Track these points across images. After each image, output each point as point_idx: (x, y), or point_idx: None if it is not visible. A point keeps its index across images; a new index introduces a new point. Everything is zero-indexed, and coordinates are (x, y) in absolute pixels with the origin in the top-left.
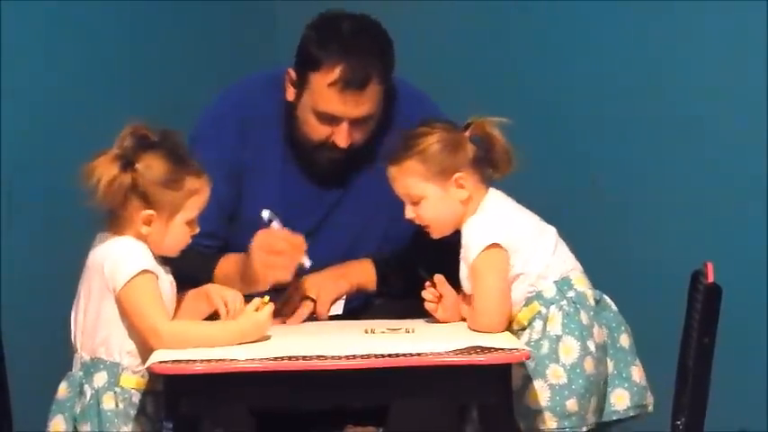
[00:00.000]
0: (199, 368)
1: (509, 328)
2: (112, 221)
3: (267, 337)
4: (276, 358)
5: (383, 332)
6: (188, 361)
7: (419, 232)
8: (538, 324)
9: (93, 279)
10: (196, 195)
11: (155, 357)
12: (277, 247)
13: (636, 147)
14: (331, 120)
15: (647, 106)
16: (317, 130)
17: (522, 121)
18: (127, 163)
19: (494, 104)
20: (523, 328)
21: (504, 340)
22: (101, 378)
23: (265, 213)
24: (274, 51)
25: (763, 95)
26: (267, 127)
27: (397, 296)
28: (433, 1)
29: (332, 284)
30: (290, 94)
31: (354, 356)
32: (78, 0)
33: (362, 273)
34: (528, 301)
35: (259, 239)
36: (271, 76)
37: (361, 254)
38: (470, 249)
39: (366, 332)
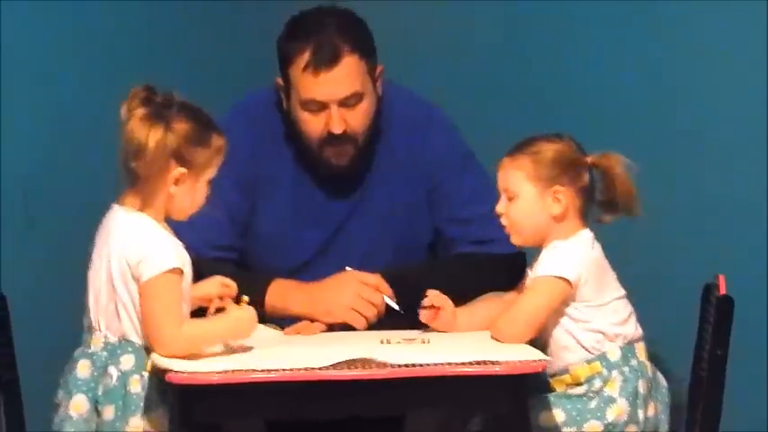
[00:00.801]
0: (215, 379)
1: (563, 380)
2: (135, 188)
3: (275, 342)
4: (292, 369)
5: (399, 342)
6: (204, 372)
7: (431, 249)
8: (597, 383)
9: (115, 263)
10: (220, 154)
11: (169, 364)
12: (365, 294)
13: (646, 156)
14: (319, 107)
15: (657, 114)
16: (311, 124)
17: (529, 130)
18: (166, 122)
19: (499, 109)
20: (578, 384)
21: (520, 352)
22: (128, 361)
23: (349, 269)
24: None
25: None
26: (278, 142)
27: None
28: (436, 1)
29: None
30: (285, 102)
31: (371, 366)
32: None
33: None
34: (590, 361)
35: (351, 280)
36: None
37: (374, 266)
38: (542, 266)
39: (382, 342)
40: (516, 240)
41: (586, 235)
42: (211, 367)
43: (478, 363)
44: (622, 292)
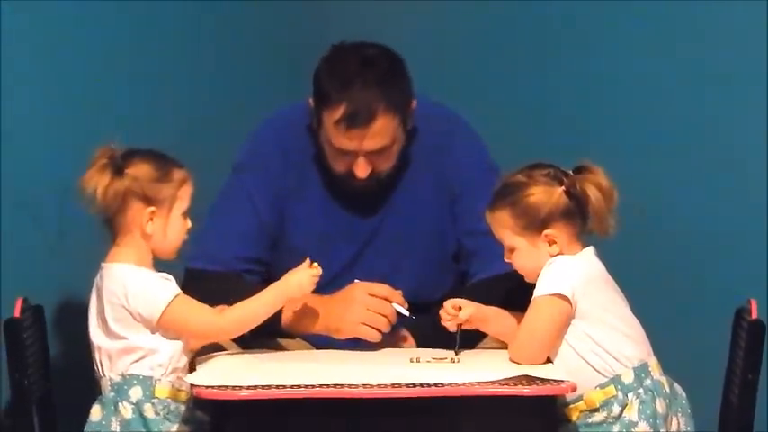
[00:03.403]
0: (244, 394)
1: (578, 407)
2: (115, 237)
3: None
4: (321, 386)
5: (428, 361)
6: (234, 387)
7: (455, 260)
8: (615, 409)
9: (114, 312)
10: (185, 185)
11: (199, 379)
12: (374, 305)
13: (675, 175)
14: (346, 154)
15: (694, 134)
16: (337, 163)
17: (562, 149)
18: (117, 169)
19: (524, 120)
20: (594, 410)
21: (550, 371)
22: (136, 392)
23: (357, 281)
24: None
25: None
26: (308, 156)
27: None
28: (443, 1)
29: None
30: (315, 123)
31: (400, 385)
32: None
33: None
34: (603, 385)
35: (358, 294)
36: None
37: (401, 279)
38: (542, 284)
39: (411, 361)
40: (531, 280)
41: (584, 252)
42: (240, 382)
43: (507, 382)
44: (628, 310)
